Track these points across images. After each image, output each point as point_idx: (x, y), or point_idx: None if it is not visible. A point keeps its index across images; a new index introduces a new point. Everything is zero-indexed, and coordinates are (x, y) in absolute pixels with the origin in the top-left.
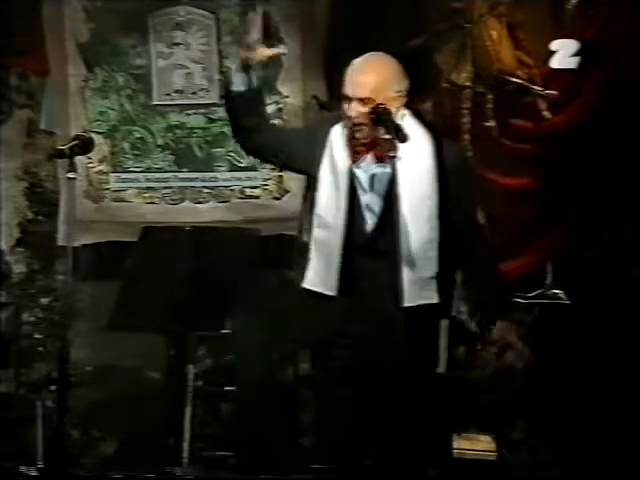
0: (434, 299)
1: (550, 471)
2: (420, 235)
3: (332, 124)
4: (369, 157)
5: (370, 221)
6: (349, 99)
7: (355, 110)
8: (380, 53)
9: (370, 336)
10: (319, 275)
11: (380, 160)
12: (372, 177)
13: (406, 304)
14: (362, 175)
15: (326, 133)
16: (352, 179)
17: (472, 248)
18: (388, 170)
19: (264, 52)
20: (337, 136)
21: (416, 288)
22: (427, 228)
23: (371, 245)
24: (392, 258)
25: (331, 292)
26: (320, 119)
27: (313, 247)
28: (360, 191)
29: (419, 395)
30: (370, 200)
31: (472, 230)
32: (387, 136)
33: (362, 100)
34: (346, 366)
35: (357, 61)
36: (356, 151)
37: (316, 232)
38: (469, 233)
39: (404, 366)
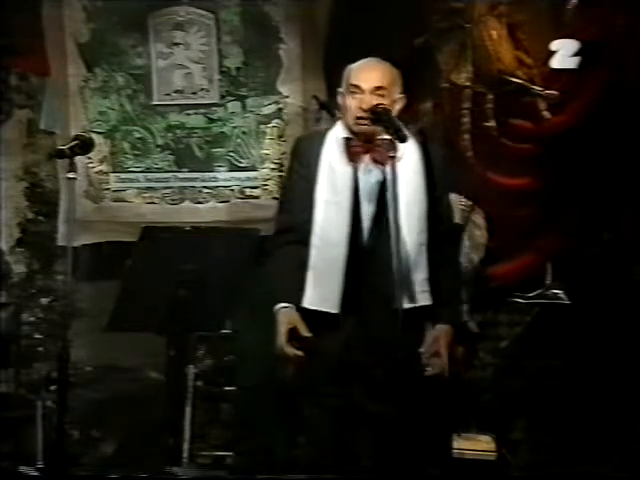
0: (427, 301)
1: (550, 471)
2: (412, 239)
3: (321, 138)
4: (367, 159)
5: (367, 228)
6: (360, 90)
7: (367, 102)
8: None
9: (369, 338)
10: (320, 293)
11: (378, 163)
12: (369, 183)
13: (400, 307)
14: (362, 182)
15: (319, 144)
16: (354, 187)
17: (442, 248)
18: (381, 174)
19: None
20: (332, 143)
21: (410, 291)
22: (417, 231)
23: (369, 252)
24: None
25: (333, 310)
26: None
27: (312, 265)
28: (362, 199)
29: (419, 395)
30: (368, 206)
31: (445, 231)
32: (386, 136)
33: (378, 89)
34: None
35: (359, 62)
36: (354, 152)
37: (315, 249)
38: (442, 233)
39: (403, 367)
